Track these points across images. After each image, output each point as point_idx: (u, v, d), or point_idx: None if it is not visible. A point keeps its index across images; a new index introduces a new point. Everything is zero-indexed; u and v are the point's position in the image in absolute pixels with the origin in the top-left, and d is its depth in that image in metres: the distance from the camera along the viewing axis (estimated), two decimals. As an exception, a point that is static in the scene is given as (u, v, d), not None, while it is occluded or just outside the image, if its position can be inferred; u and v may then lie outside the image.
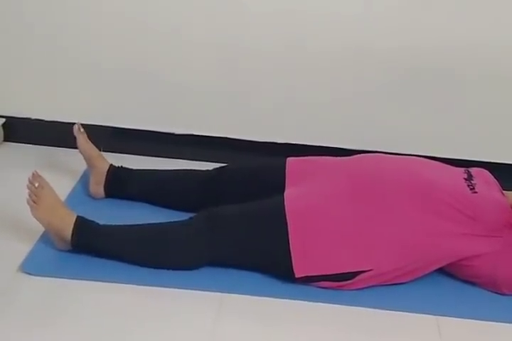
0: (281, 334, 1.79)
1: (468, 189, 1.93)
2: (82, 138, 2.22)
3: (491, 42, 2.30)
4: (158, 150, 2.57)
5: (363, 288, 1.91)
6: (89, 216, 1.96)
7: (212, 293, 1.88)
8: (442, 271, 1.98)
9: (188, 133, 2.52)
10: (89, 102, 2.52)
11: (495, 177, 2.07)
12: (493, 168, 2.19)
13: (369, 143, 2.44)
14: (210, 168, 2.20)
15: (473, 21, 2.27)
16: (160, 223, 1.97)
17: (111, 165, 2.24)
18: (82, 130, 2.22)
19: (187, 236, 1.93)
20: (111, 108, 2.52)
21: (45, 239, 2.00)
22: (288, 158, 2.12)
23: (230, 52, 2.38)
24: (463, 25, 2.28)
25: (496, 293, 1.96)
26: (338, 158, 2.12)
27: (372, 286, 1.92)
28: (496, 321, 1.88)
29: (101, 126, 2.51)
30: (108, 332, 1.73)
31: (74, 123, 2.24)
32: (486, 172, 2.08)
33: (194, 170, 2.22)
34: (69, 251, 1.95)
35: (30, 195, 1.91)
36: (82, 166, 2.31)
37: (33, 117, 2.54)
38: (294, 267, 1.86)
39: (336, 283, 1.89)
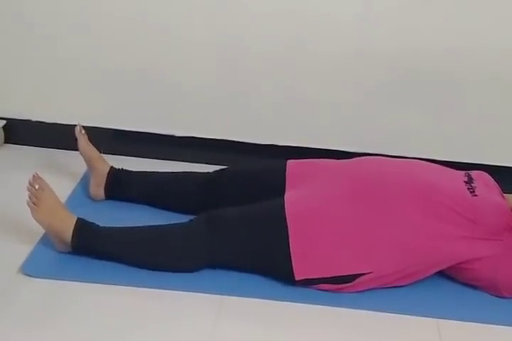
0: (281, 337, 1.79)
1: (468, 192, 1.93)
2: (83, 140, 2.22)
3: (491, 44, 2.30)
4: (158, 152, 2.57)
5: (363, 291, 1.91)
6: (90, 218, 1.96)
7: (212, 296, 1.88)
8: (442, 274, 1.98)
9: (189, 135, 2.52)
10: (90, 104, 2.52)
11: (495, 180, 2.07)
12: (494, 170, 2.18)
13: (369, 145, 2.44)
14: (211, 171, 2.20)
15: (474, 23, 2.27)
16: (160, 225, 1.97)
17: (111, 167, 2.24)
18: (83, 131, 2.22)
19: (187, 238, 1.93)
20: (111, 110, 2.52)
21: (45, 240, 1.99)
22: (288, 161, 2.12)
23: (230, 54, 2.38)
24: (463, 26, 2.28)
25: (496, 296, 1.96)
26: (339, 160, 2.12)
27: (373, 289, 1.91)
28: (496, 324, 1.88)
29: (101, 128, 2.51)
30: (108, 334, 1.73)
31: (74, 125, 2.24)
32: (486, 175, 2.08)
33: (194, 172, 2.22)
34: (69, 252, 1.95)
35: (30, 197, 1.91)
36: (82, 168, 2.31)
37: (34, 119, 2.53)
38: (294, 269, 1.86)
39: (336, 285, 1.89)
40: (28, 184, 1.92)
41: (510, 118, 2.44)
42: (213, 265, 1.94)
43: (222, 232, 1.91)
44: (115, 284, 1.88)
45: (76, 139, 2.22)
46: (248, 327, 1.81)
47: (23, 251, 1.97)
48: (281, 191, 1.99)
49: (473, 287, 1.98)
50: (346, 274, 1.87)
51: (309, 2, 2.28)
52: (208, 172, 2.19)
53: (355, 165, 2.06)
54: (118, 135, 2.54)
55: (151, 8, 2.33)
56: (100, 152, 2.26)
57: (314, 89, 2.43)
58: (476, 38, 2.29)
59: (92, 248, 1.93)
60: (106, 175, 2.22)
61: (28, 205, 1.90)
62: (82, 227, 1.92)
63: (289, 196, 1.95)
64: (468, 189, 1.95)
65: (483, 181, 2.03)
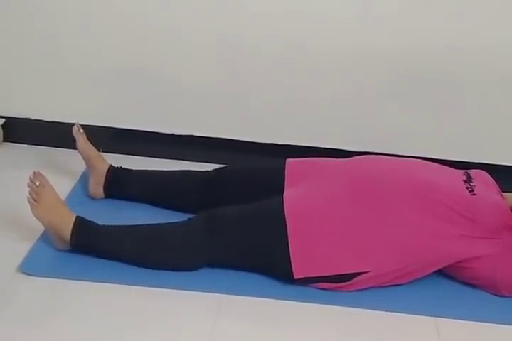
0: (280, 335, 1.79)
1: (467, 191, 1.93)
2: (81, 139, 2.22)
3: (491, 43, 2.30)
4: (158, 150, 2.57)
5: (361, 290, 1.91)
6: (89, 216, 1.96)
7: (212, 294, 1.88)
8: (441, 273, 1.98)
9: (188, 133, 2.52)
10: (89, 103, 2.52)
11: (494, 179, 2.07)
12: (493, 169, 2.19)
13: (369, 144, 2.44)
14: (210, 169, 2.20)
15: (474, 23, 2.27)
16: (159, 224, 1.97)
17: (110, 165, 2.24)
18: (81, 131, 2.22)
19: (186, 237, 1.93)
20: (111, 109, 2.52)
21: (44, 239, 2.00)
22: (287, 159, 2.12)
23: (230, 53, 2.38)
24: (463, 26, 2.28)
25: (495, 294, 1.96)
26: (338, 159, 2.12)
27: (371, 287, 1.91)
28: (495, 322, 1.88)
29: (101, 126, 2.51)
30: (107, 332, 1.73)
31: (73, 124, 2.24)
32: (485, 174, 2.08)
33: (193, 171, 2.22)
34: (68, 251, 1.95)
35: (30, 193, 1.91)
36: (81, 167, 2.31)
37: (33, 117, 2.54)
38: (293, 268, 1.86)
39: (335, 284, 1.89)
40: (28, 180, 1.92)
41: (509, 118, 2.44)
42: (212, 263, 1.94)
43: (221, 231, 1.91)
44: (114, 283, 1.88)
45: (75, 138, 2.22)
46: (247, 326, 1.81)
47: (21, 249, 1.97)
48: (280, 190, 1.99)
49: (472, 286, 1.98)
50: (345, 273, 1.87)
51: (309, 2, 2.28)
52: (208, 171, 2.19)
53: (354, 164, 2.06)
54: (117, 133, 2.54)
55: (151, 8, 2.33)
56: (99, 150, 2.26)
57: (314, 89, 2.43)
58: (476, 38, 2.29)
59: (91, 246, 1.93)
60: (105, 174, 2.22)
61: (28, 201, 1.90)
62: (82, 225, 1.92)
63: (288, 195, 1.95)
64: (467, 188, 1.95)
65: (482, 180, 2.03)
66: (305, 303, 1.88)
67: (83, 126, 2.25)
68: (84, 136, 2.23)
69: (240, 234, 1.91)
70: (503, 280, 1.93)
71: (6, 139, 2.59)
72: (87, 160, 2.24)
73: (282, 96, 2.45)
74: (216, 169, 2.19)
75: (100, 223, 1.96)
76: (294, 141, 2.49)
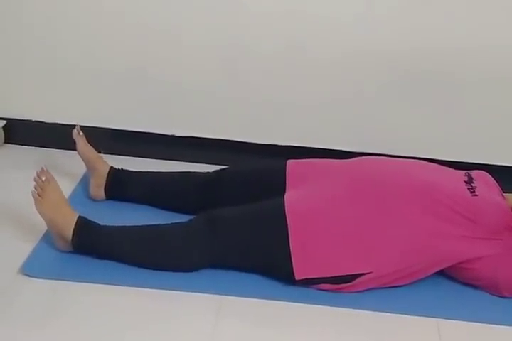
0: (280, 337, 1.79)
1: (468, 192, 1.93)
2: (81, 141, 2.22)
3: (492, 44, 2.29)
4: (158, 152, 2.57)
5: (362, 291, 1.91)
6: (90, 218, 1.96)
7: (212, 295, 1.88)
8: (442, 274, 1.98)
9: (189, 135, 2.52)
10: (90, 104, 2.52)
11: (495, 180, 2.07)
12: (494, 170, 2.18)
13: (369, 145, 2.44)
14: (211, 170, 2.20)
15: (474, 23, 2.27)
16: (160, 225, 1.97)
17: (111, 167, 2.24)
18: (81, 133, 2.22)
19: (187, 238, 1.93)
20: (111, 110, 2.52)
21: (46, 240, 2.00)
22: (288, 161, 2.12)
23: (231, 54, 2.38)
24: (463, 27, 2.28)
25: (497, 295, 1.96)
26: (339, 160, 2.12)
27: (372, 289, 1.91)
28: (496, 323, 1.88)
29: (101, 128, 2.51)
30: (108, 333, 1.73)
31: (74, 126, 2.24)
32: (486, 174, 2.08)
33: (194, 172, 2.22)
34: (69, 252, 1.95)
35: (35, 188, 1.91)
36: (82, 168, 2.31)
37: (34, 119, 2.54)
38: (294, 269, 1.86)
39: (336, 285, 1.89)
40: (35, 175, 1.92)
41: (510, 118, 2.43)
42: (213, 264, 1.94)
43: (222, 232, 1.91)
44: (115, 284, 1.88)
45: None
46: (248, 327, 1.81)
47: (23, 250, 1.97)
48: (281, 191, 1.99)
49: (474, 286, 1.98)
50: (346, 274, 1.87)
51: (309, 3, 2.28)
52: (208, 172, 2.19)
53: (355, 165, 2.06)
54: (118, 135, 2.54)
55: (151, 9, 2.33)
56: (99, 152, 2.26)
57: (314, 89, 2.43)
58: (476, 39, 2.29)
59: (92, 247, 1.93)
60: (106, 176, 2.22)
61: (33, 196, 1.90)
62: (83, 226, 1.92)
63: (289, 196, 1.95)
64: (469, 189, 1.95)
65: (483, 181, 2.03)
66: (306, 304, 1.88)
67: (84, 128, 2.25)
68: (84, 138, 2.23)
69: (240, 235, 1.91)
70: (505, 281, 1.93)
71: (7, 141, 2.59)
72: (87, 162, 2.24)
73: (282, 97, 2.45)
74: (217, 170, 2.19)
75: (101, 224, 1.96)
76: (295, 142, 2.49)
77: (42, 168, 1.94)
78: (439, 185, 1.94)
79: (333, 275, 1.88)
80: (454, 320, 1.88)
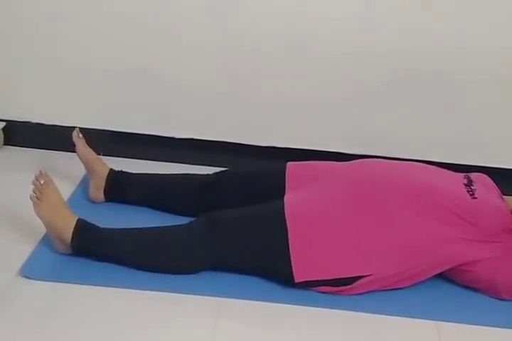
0: (280, 339, 1.79)
1: (468, 194, 1.93)
2: (80, 144, 2.22)
3: (492, 45, 2.30)
4: (158, 154, 2.57)
5: (362, 293, 1.91)
6: (89, 220, 1.96)
7: (212, 298, 1.87)
8: (442, 276, 1.98)
9: (188, 137, 2.52)
10: (90, 106, 2.52)
11: (494, 182, 2.07)
12: (493, 172, 2.19)
13: (369, 147, 2.44)
14: (210, 172, 2.20)
15: (474, 25, 2.27)
16: (160, 227, 1.97)
17: (111, 169, 2.24)
18: (80, 136, 2.22)
19: (186, 240, 1.93)
20: (111, 112, 2.52)
21: (45, 242, 1.99)
22: (288, 163, 2.12)
23: (230, 55, 2.39)
24: (463, 28, 2.28)
25: (496, 298, 1.96)
26: (339, 162, 2.12)
27: (372, 291, 1.91)
28: (496, 326, 1.88)
29: (101, 130, 2.51)
30: (107, 336, 1.73)
31: (74, 128, 2.25)
32: (485, 177, 2.08)
33: (194, 174, 2.23)
34: (69, 254, 1.95)
35: (34, 191, 1.91)
36: (82, 170, 2.31)
37: (33, 121, 2.54)
38: (293, 272, 1.86)
39: (336, 287, 1.89)
40: (33, 178, 1.92)
41: (509, 120, 2.44)
42: (213, 267, 1.93)
43: (221, 234, 1.91)
44: (114, 286, 1.88)
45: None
46: (248, 330, 1.81)
47: (22, 252, 1.97)
48: (281, 193, 1.99)
49: (473, 289, 1.98)
50: (346, 276, 1.87)
51: (309, 3, 2.28)
52: (208, 174, 2.19)
53: (355, 167, 2.06)
54: (118, 137, 2.54)
55: (151, 10, 2.33)
56: (99, 154, 2.26)
57: (314, 91, 2.43)
58: (476, 40, 2.29)
59: (92, 249, 1.93)
60: (105, 178, 2.22)
61: (31, 199, 1.90)
62: (83, 228, 1.92)
63: (288, 198, 1.95)
64: (468, 191, 1.95)
65: (483, 183, 2.03)
66: (306, 307, 1.88)
67: (83, 130, 2.25)
68: (83, 140, 2.23)
69: (240, 238, 1.91)
70: (504, 284, 1.93)
71: (6, 143, 2.59)
72: (86, 164, 2.24)
73: (282, 98, 2.45)
74: (216, 172, 2.19)
75: (101, 227, 1.96)
76: (294, 144, 2.49)
77: (40, 171, 1.94)
78: (439, 187, 1.94)
79: (332, 277, 1.88)
80: (454, 322, 1.88)
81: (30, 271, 1.90)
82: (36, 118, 2.53)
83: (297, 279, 1.87)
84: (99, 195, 2.23)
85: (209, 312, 1.83)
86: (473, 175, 2.06)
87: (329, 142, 2.49)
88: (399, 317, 1.88)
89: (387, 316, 1.88)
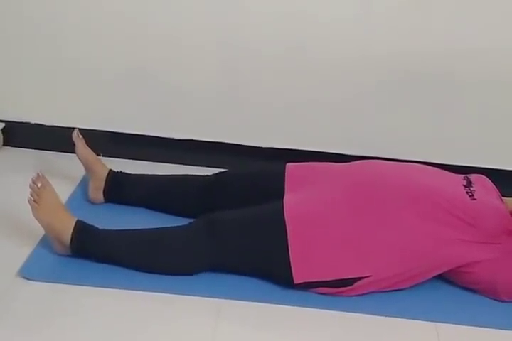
0: (280, 340, 1.79)
1: (467, 196, 1.93)
2: (80, 144, 2.22)
3: (491, 47, 2.30)
4: (157, 155, 2.57)
5: (362, 294, 1.91)
6: (89, 221, 1.96)
7: (211, 299, 1.87)
8: (441, 277, 1.98)
9: (188, 138, 2.52)
10: (89, 107, 2.52)
11: (494, 184, 2.07)
12: (493, 174, 2.19)
13: (369, 148, 2.44)
14: (210, 173, 2.20)
15: (473, 25, 2.27)
16: (159, 228, 1.97)
17: (110, 170, 2.24)
18: (80, 136, 2.22)
19: (186, 241, 1.92)
20: (110, 113, 2.52)
21: (44, 243, 1.99)
22: (287, 164, 2.12)
23: (230, 56, 2.38)
24: (463, 29, 2.28)
25: (495, 299, 1.96)
26: (338, 164, 2.12)
27: (372, 292, 1.91)
28: (495, 327, 1.88)
29: (100, 131, 2.51)
30: (107, 338, 1.73)
31: (73, 128, 2.24)
32: (485, 178, 2.08)
33: (193, 175, 2.23)
34: (68, 255, 1.95)
35: (32, 195, 1.90)
36: (81, 171, 2.31)
37: (33, 122, 2.54)
38: (293, 273, 1.86)
39: (335, 289, 1.89)
40: (30, 182, 1.91)
41: (509, 121, 2.44)
42: (212, 268, 1.93)
43: (221, 235, 1.91)
44: (114, 287, 1.88)
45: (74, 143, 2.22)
46: (247, 331, 1.80)
47: (21, 254, 1.97)
48: (280, 194, 1.99)
49: (472, 290, 1.98)
50: (345, 278, 1.87)
51: (309, 4, 2.28)
52: (207, 175, 2.19)
53: (354, 168, 2.06)
54: (117, 138, 2.54)
55: (151, 10, 2.33)
56: (99, 155, 2.26)
57: (314, 92, 2.43)
58: (475, 40, 2.29)
59: (91, 251, 1.93)
60: (105, 179, 2.22)
61: (29, 203, 1.90)
62: (82, 230, 1.92)
63: (288, 199, 1.95)
64: (467, 193, 1.95)
65: (482, 185, 2.03)
66: (305, 308, 1.88)
67: (83, 130, 2.25)
68: (83, 141, 2.23)
69: (240, 239, 1.91)
70: (503, 285, 1.93)
71: (5, 143, 2.59)
72: (86, 165, 2.24)
73: (282, 100, 2.45)
74: (216, 173, 2.19)
75: (100, 228, 1.96)
76: (294, 145, 2.49)
77: (37, 174, 1.94)
78: (438, 188, 1.94)
79: (332, 279, 1.88)
80: (453, 323, 1.88)
81: (29, 271, 1.90)
82: (36, 119, 2.53)
83: (296, 280, 1.87)
84: (99, 195, 2.23)
85: (209, 313, 1.83)
86: (472, 177, 2.06)
87: (329, 143, 2.49)
88: (398, 319, 1.88)
89: (387, 317, 1.88)
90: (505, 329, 1.88)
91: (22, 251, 1.98)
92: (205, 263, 1.92)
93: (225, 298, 1.88)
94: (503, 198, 2.03)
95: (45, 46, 2.42)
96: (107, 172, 2.23)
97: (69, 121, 2.44)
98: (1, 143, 2.58)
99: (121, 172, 2.26)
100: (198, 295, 1.88)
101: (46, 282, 1.88)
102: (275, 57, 2.37)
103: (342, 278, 1.87)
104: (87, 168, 2.24)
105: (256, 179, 2.12)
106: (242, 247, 1.91)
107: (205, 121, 2.51)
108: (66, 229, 1.91)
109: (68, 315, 1.79)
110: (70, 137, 2.23)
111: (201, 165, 2.51)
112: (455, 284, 1.99)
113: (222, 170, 2.22)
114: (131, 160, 2.54)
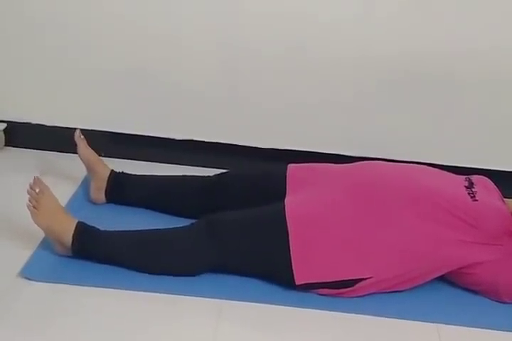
0: (281, 342, 1.80)
1: (468, 197, 1.93)
2: (82, 145, 2.22)
3: (491, 47, 2.30)
4: (158, 155, 2.57)
5: (363, 296, 1.91)
6: (90, 221, 1.96)
7: (213, 300, 1.87)
8: (442, 278, 1.98)
9: (189, 138, 2.52)
10: (90, 108, 2.52)
11: (495, 185, 2.07)
12: (494, 175, 2.18)
13: (370, 149, 2.44)
14: (211, 174, 2.20)
15: (474, 26, 2.27)
16: (160, 229, 1.97)
17: (112, 170, 2.24)
18: (82, 136, 2.22)
19: (187, 242, 1.92)
20: (111, 113, 2.52)
21: (46, 244, 1.99)
22: (289, 165, 2.12)
23: (230, 57, 2.38)
24: (463, 30, 2.28)
25: (497, 301, 1.96)
26: (339, 165, 2.12)
27: (373, 293, 1.91)
28: (497, 329, 1.88)
29: (102, 131, 2.51)
30: (107, 338, 1.73)
31: (75, 129, 2.25)
32: (486, 179, 2.08)
33: (195, 176, 2.23)
34: (69, 256, 1.95)
35: (30, 200, 1.90)
36: (82, 171, 2.31)
37: (34, 122, 2.53)
38: (294, 274, 1.86)
39: (336, 290, 1.89)
40: (28, 187, 1.92)
41: (510, 122, 2.44)
42: (214, 269, 1.93)
43: (222, 236, 1.91)
44: (115, 288, 1.88)
45: (76, 143, 2.22)
46: (248, 332, 1.80)
47: (23, 254, 1.97)
48: (281, 195, 1.99)
49: (474, 292, 1.98)
50: (347, 279, 1.87)
51: (310, 5, 2.28)
52: (209, 176, 2.19)
53: (355, 169, 2.06)
54: (118, 138, 2.54)
55: (151, 11, 2.33)
56: (100, 155, 2.26)
57: (314, 93, 2.43)
58: (476, 41, 2.29)
59: (92, 252, 1.93)
60: (106, 179, 2.22)
61: (28, 209, 1.90)
62: (83, 231, 1.92)
63: (289, 200, 1.95)
64: (469, 194, 1.95)
65: (484, 186, 2.03)
66: (306, 309, 1.88)
67: (84, 131, 2.25)
68: (85, 141, 2.23)
69: (241, 240, 1.91)
70: (505, 286, 1.93)
71: (7, 144, 2.59)
72: (88, 165, 2.24)
73: (283, 100, 2.45)
74: (217, 174, 2.19)
75: (102, 228, 1.96)
76: (295, 145, 2.49)
77: (34, 179, 1.93)
78: (440, 189, 1.94)
79: (333, 280, 1.88)
80: (454, 325, 1.88)
81: (30, 272, 1.90)
82: (37, 120, 2.53)
83: (298, 281, 1.87)
84: (100, 196, 2.23)
85: (210, 314, 1.83)
86: (474, 178, 2.06)
87: (330, 144, 2.49)
88: (399, 320, 1.88)
89: (388, 318, 1.88)
90: (507, 330, 1.88)
91: (23, 252, 1.98)
92: (207, 264, 1.92)
93: (226, 299, 1.88)
94: (504, 199, 2.03)
95: (46, 46, 2.42)
96: (108, 173, 2.23)
97: (70, 122, 2.44)
98: (3, 143, 2.58)
99: (122, 172, 2.26)
100: (199, 296, 1.88)
101: (47, 282, 1.88)
102: (275, 58, 2.37)
103: (343, 279, 1.87)
104: (89, 168, 2.24)
105: (257, 180, 2.12)
106: (243, 248, 1.91)
107: (205, 122, 2.51)
108: (67, 231, 1.90)
109: (69, 315, 1.79)
110: (71, 137, 2.23)
111: (202, 166, 2.51)
112: (456, 285, 1.99)
113: (223, 170, 2.22)
114: (132, 161, 2.54)
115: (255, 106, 2.47)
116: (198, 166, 2.53)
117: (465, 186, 1.99)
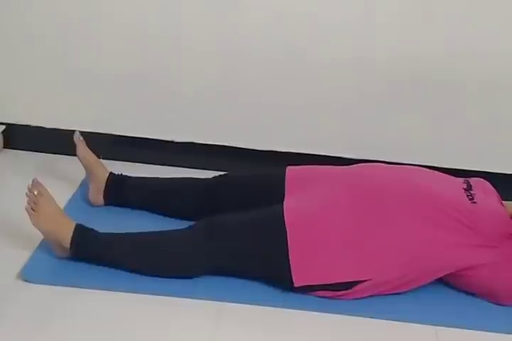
0: (279, 344, 1.79)
1: (467, 199, 1.93)
2: (81, 146, 2.22)
3: (491, 51, 2.30)
4: (158, 157, 2.57)
5: (361, 298, 1.91)
6: (89, 223, 1.96)
7: (211, 302, 1.87)
8: (441, 281, 1.97)
9: (188, 140, 2.52)
10: (90, 110, 2.52)
11: (494, 187, 2.07)
12: (493, 177, 2.19)
13: (369, 152, 2.44)
14: (210, 176, 2.20)
15: (474, 30, 2.27)
16: (159, 231, 1.97)
17: (110, 172, 2.24)
18: (81, 138, 2.22)
19: (186, 244, 1.92)
20: (111, 115, 2.52)
21: (45, 246, 1.99)
22: (288, 167, 2.12)
23: (230, 60, 2.39)
24: (463, 33, 2.28)
25: (495, 303, 1.96)
26: (338, 167, 2.12)
27: (371, 296, 1.91)
28: (495, 331, 1.88)
29: (101, 133, 2.51)
30: (105, 340, 1.73)
31: (74, 131, 2.24)
32: (485, 182, 2.08)
33: (194, 178, 2.22)
34: (68, 258, 1.95)
35: (29, 203, 1.90)
36: (81, 173, 2.31)
37: (33, 124, 2.53)
38: (293, 276, 1.86)
39: (335, 292, 1.89)
40: (27, 190, 1.92)
41: (509, 125, 2.44)
42: (212, 271, 1.93)
43: (220, 239, 1.91)
44: (114, 290, 1.88)
45: (75, 145, 2.22)
46: (247, 334, 1.80)
47: (22, 256, 1.97)
48: (280, 198, 1.99)
49: (472, 294, 1.98)
50: (345, 281, 1.87)
51: (309, 8, 2.29)
52: (208, 179, 2.19)
53: (354, 172, 2.06)
54: (118, 140, 2.54)
55: (151, 15, 2.33)
56: (99, 157, 2.26)
57: (314, 96, 2.43)
58: (476, 45, 2.29)
59: (91, 254, 1.93)
60: (105, 181, 2.22)
61: (27, 211, 1.90)
62: (81, 234, 1.92)
63: (288, 203, 1.95)
64: (468, 196, 1.95)
65: (483, 188, 2.03)
66: (305, 311, 1.88)
67: (83, 133, 2.25)
68: (84, 143, 2.23)
69: (239, 242, 1.91)
70: (503, 289, 1.93)
71: (6, 146, 2.59)
72: (86, 167, 2.24)
73: (282, 103, 2.45)
74: (216, 176, 2.19)
75: (100, 230, 1.96)
76: (294, 148, 2.49)
77: (33, 181, 1.93)
78: (439, 192, 1.94)
79: (331, 282, 1.88)
80: (453, 327, 1.88)
81: (29, 274, 1.90)
82: (36, 122, 2.53)
83: (296, 283, 1.87)
84: (99, 198, 2.23)
85: (208, 317, 1.83)
86: (472, 180, 2.06)
87: (329, 146, 2.49)
88: (398, 322, 1.88)
89: (386, 321, 1.88)
90: (505, 333, 1.88)
91: (22, 254, 1.98)
92: (205, 266, 1.92)
93: (225, 301, 1.88)
94: (503, 202, 2.03)
95: (46, 49, 2.42)
96: (107, 175, 2.23)
97: (69, 124, 2.44)
98: (2, 145, 2.58)
99: (121, 174, 2.26)
100: (198, 298, 1.88)
101: (46, 285, 1.88)
102: (275, 60, 2.37)
103: (342, 281, 1.87)
104: (88, 170, 2.24)
105: (256, 182, 2.12)
106: (241, 250, 1.91)
107: (205, 124, 2.51)
108: (65, 234, 1.90)
109: (68, 318, 1.79)
110: (71, 139, 2.23)
111: (201, 168, 2.52)
112: (455, 288, 1.99)
113: (222, 173, 2.22)
114: (131, 163, 2.54)
115: (255, 109, 2.47)
116: (197, 168, 2.53)
117: (464, 188, 1.99)
